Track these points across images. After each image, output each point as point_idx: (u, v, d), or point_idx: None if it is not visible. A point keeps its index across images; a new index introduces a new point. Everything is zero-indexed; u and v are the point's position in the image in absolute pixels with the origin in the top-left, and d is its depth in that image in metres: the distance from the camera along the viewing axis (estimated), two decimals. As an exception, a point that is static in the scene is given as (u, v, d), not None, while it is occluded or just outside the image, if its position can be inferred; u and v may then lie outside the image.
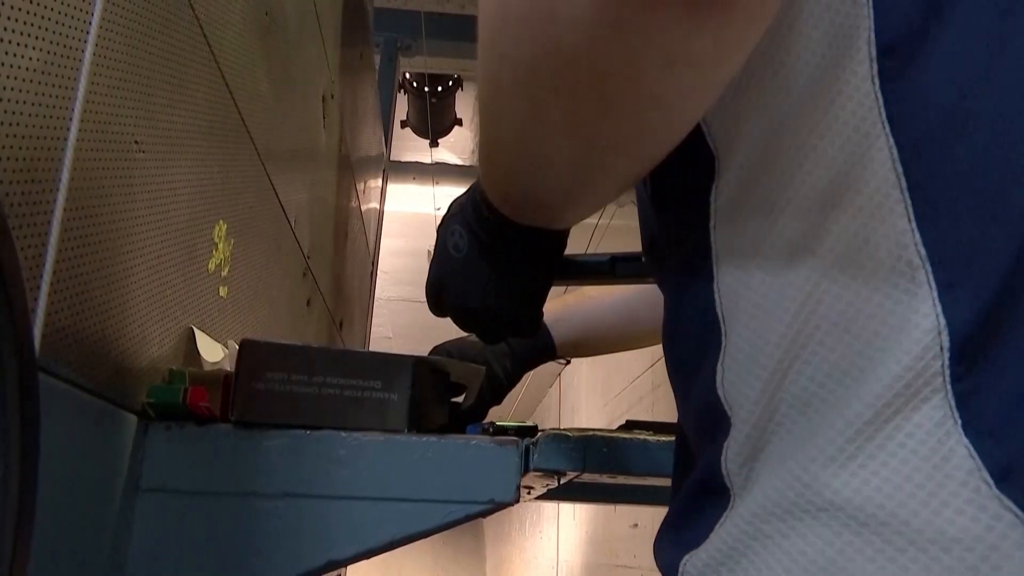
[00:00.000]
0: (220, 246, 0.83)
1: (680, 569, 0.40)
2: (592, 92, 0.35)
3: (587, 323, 0.97)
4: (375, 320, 2.70)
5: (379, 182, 2.62)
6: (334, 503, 0.64)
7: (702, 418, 0.42)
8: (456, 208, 0.55)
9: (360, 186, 1.97)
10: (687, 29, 0.31)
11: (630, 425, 0.77)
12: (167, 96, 0.67)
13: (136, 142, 0.60)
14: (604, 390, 4.76)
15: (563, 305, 0.96)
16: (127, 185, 0.59)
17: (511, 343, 0.91)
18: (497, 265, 0.53)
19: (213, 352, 0.77)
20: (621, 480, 0.76)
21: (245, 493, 0.63)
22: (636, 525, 3.68)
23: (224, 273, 0.85)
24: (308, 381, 0.64)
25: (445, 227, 0.56)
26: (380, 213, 2.70)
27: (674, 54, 0.33)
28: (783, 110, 0.38)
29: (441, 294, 0.58)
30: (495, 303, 0.55)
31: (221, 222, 0.83)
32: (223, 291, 0.86)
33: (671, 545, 0.42)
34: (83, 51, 0.50)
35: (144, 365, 0.65)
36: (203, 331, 0.78)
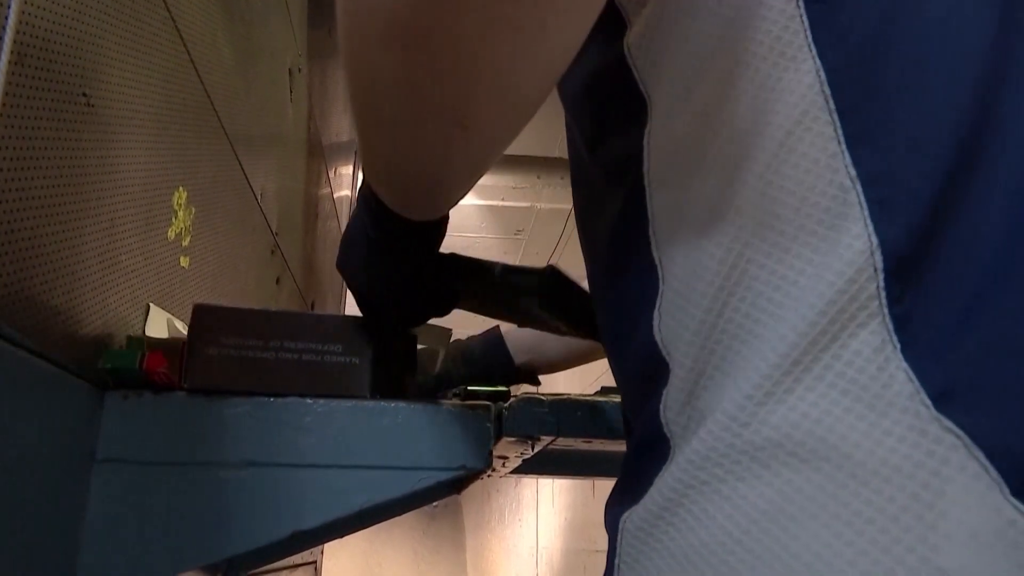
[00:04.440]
0: (180, 214, 0.80)
1: (620, 526, 0.39)
2: (419, 52, 0.34)
3: (536, 337, 0.94)
4: (351, 312, 2.67)
5: (351, 168, 2.59)
6: (300, 472, 0.62)
7: (641, 370, 0.41)
8: None
9: (331, 169, 1.94)
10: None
11: (605, 390, 0.76)
12: (119, 52, 0.64)
13: (84, 94, 0.57)
14: (582, 377, 4.76)
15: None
16: (75, 139, 0.57)
17: (471, 353, 0.91)
18: (371, 246, 0.54)
19: (161, 331, 0.75)
20: (598, 446, 0.74)
21: (207, 463, 0.61)
22: (615, 509, 3.67)
23: (185, 243, 0.83)
24: (264, 346, 0.62)
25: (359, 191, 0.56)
26: (352, 199, 2.66)
27: (491, 14, 0.32)
28: (706, 40, 0.37)
29: (340, 254, 0.60)
30: (363, 281, 0.58)
31: (181, 189, 0.80)
32: (184, 262, 0.83)
33: (614, 505, 0.41)
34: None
35: (100, 332, 0.63)
36: (165, 302, 0.75)
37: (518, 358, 0.93)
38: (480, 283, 0.63)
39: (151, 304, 0.73)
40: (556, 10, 0.33)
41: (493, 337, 0.93)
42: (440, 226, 0.54)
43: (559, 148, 3.44)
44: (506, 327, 0.88)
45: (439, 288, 0.61)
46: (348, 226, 0.58)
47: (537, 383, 0.95)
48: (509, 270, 0.62)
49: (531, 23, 0.33)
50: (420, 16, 0.32)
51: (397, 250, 0.54)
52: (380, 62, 0.35)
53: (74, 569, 0.56)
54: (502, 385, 0.82)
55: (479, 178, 0.44)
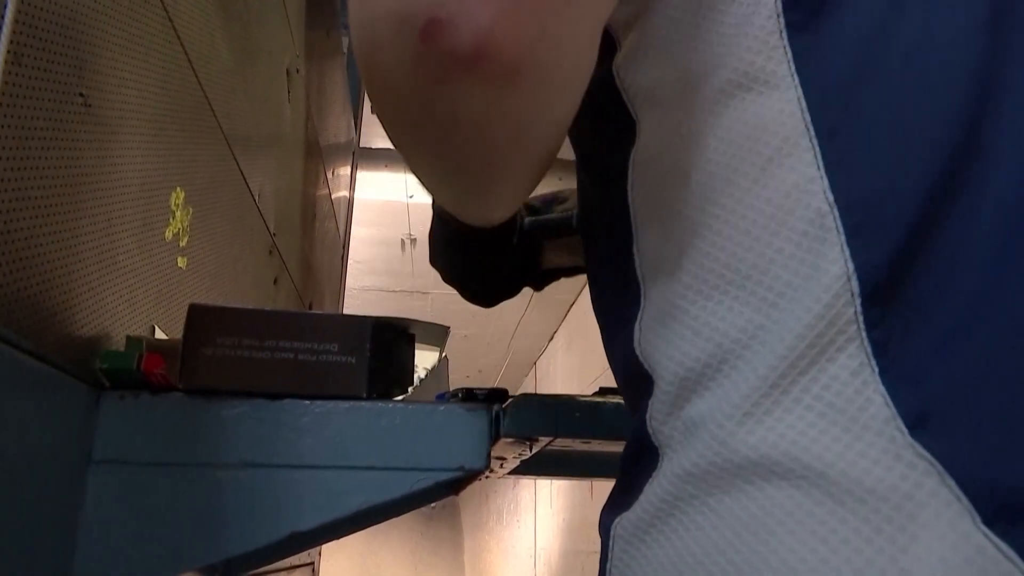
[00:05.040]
0: (178, 214, 0.80)
1: (612, 532, 0.40)
2: (424, 131, 0.37)
3: None
4: (350, 312, 2.67)
5: (348, 168, 2.58)
6: (297, 472, 0.61)
7: (628, 380, 0.42)
8: None
9: (329, 170, 1.93)
10: (467, 97, 0.34)
11: (604, 391, 0.76)
12: (116, 52, 0.64)
13: (81, 95, 0.57)
14: (580, 376, 4.75)
15: None
16: (72, 140, 0.56)
17: None
18: (445, 243, 0.65)
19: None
20: (596, 447, 0.74)
21: (204, 464, 0.61)
22: (613, 510, 3.67)
23: (183, 243, 0.82)
24: (260, 345, 0.62)
25: None
26: (350, 200, 2.66)
27: (492, 110, 0.35)
28: (690, 66, 0.38)
29: (430, 252, 0.69)
30: (452, 272, 0.67)
31: (179, 189, 0.80)
32: (182, 262, 0.82)
33: (608, 509, 0.42)
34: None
35: (97, 332, 0.63)
36: (162, 302, 0.75)
37: None
38: (568, 234, 0.69)
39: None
40: (550, 99, 0.36)
41: None
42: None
43: (557, 149, 3.41)
44: None
45: (522, 258, 0.69)
46: (431, 228, 0.67)
47: None
48: None
49: (529, 112, 0.35)
50: (426, 107, 0.35)
51: (471, 242, 0.63)
52: (405, 138, 0.39)
53: (71, 570, 0.56)
54: None
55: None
